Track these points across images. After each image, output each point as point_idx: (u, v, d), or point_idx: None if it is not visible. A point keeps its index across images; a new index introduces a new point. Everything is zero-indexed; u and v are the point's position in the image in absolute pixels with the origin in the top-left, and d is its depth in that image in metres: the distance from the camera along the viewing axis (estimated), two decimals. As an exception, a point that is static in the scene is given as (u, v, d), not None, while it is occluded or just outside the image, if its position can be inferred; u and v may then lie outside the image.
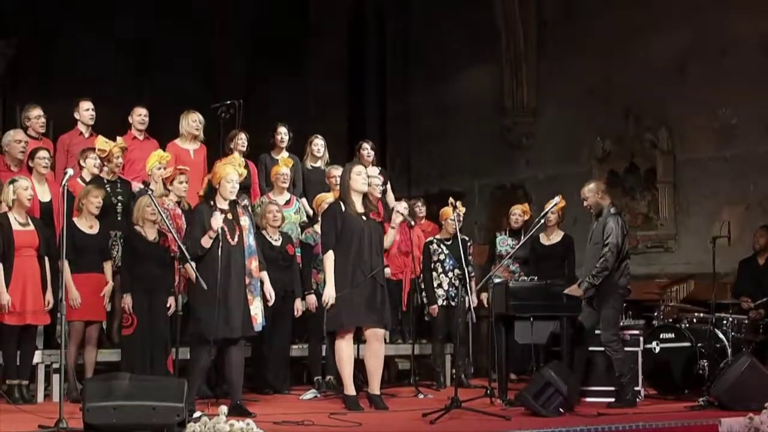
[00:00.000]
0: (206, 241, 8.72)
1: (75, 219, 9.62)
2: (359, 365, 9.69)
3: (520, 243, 10.93)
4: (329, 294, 9.17)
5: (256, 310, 8.91)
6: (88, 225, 9.77)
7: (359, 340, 9.60)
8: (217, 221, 8.71)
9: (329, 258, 9.24)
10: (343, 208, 9.31)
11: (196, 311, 8.80)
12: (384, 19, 19.72)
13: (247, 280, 8.87)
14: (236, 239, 8.85)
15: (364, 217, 9.30)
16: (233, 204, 8.97)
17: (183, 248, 8.66)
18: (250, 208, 11.00)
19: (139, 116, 11.24)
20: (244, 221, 8.97)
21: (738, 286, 11.98)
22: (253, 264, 8.95)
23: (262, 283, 9.09)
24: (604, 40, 15.82)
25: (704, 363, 10.51)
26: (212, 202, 8.93)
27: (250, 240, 8.99)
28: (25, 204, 9.43)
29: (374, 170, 11.00)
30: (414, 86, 18.97)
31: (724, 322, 10.92)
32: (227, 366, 8.97)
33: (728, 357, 10.44)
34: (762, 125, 14.20)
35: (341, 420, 8.41)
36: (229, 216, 8.88)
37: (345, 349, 9.32)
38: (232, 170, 8.94)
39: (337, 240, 9.23)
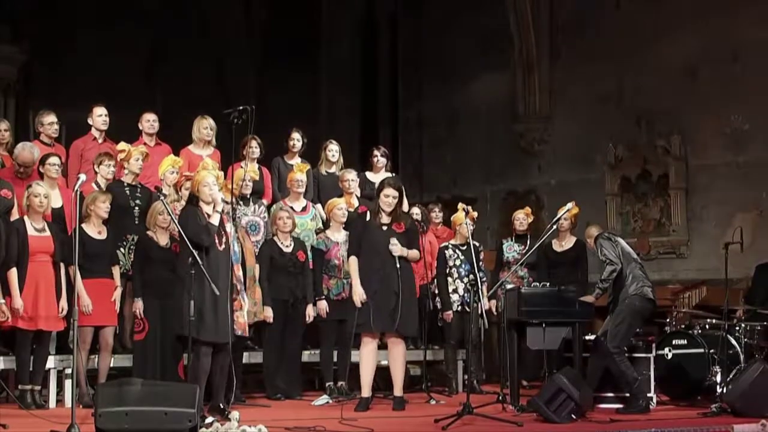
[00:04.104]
0: (215, 219, 8.78)
1: (83, 225, 9.61)
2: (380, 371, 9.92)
3: (530, 249, 10.95)
4: (357, 292, 9.53)
5: (244, 316, 9.01)
6: (97, 231, 9.77)
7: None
8: (219, 194, 8.86)
9: (353, 262, 9.67)
10: (368, 218, 9.74)
11: (187, 315, 8.76)
12: (396, 24, 19.73)
13: (238, 287, 8.91)
14: (223, 246, 8.87)
15: (384, 227, 9.63)
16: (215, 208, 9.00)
17: (194, 253, 8.67)
18: (265, 212, 11.05)
19: (148, 122, 11.25)
20: (229, 228, 8.99)
21: (754, 291, 11.94)
22: (239, 271, 9.11)
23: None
24: (616, 46, 15.81)
25: (717, 369, 10.48)
26: (197, 207, 8.92)
27: (235, 247, 9.04)
28: (37, 210, 9.44)
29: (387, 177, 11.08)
30: (426, 92, 18.97)
31: (737, 328, 10.87)
32: (213, 368, 8.95)
33: (741, 363, 10.38)
34: (774, 131, 14.20)
35: (352, 425, 8.40)
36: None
37: (364, 353, 9.70)
38: (206, 174, 8.96)
39: (361, 247, 9.67)
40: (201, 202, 8.88)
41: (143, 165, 10.63)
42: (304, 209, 11.34)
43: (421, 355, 11.59)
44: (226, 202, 9.07)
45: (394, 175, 12.00)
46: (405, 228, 9.71)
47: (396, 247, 9.54)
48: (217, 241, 8.80)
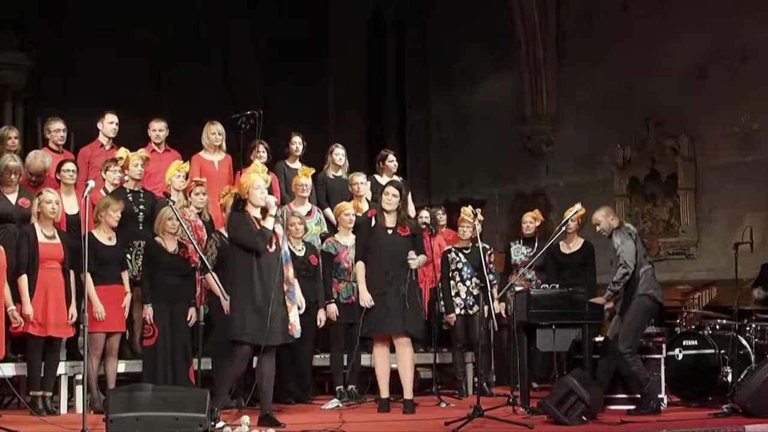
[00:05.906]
0: (269, 222, 8.77)
1: (94, 231, 9.62)
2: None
3: (538, 252, 10.94)
4: (364, 298, 9.69)
5: (295, 317, 8.93)
6: (107, 237, 9.78)
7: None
8: (272, 198, 8.88)
9: (359, 267, 9.82)
10: (373, 223, 9.86)
11: (235, 318, 8.72)
12: (403, 27, 19.71)
13: (285, 287, 8.87)
14: (273, 247, 8.84)
15: (390, 231, 9.76)
16: (264, 211, 8.92)
17: (204, 259, 8.67)
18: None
19: (154, 131, 11.26)
20: (278, 228, 8.96)
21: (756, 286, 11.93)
22: (290, 271, 8.99)
23: None
24: (623, 46, 15.78)
25: (728, 370, 10.46)
26: (244, 212, 8.89)
27: (285, 247, 9.01)
28: (48, 217, 9.45)
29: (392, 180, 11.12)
30: (433, 94, 18.95)
31: (748, 328, 10.86)
32: (258, 375, 8.91)
33: (752, 363, 10.38)
34: (783, 131, 14.16)
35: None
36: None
37: (377, 355, 9.88)
38: (257, 177, 8.92)
39: (368, 252, 9.79)
40: (249, 206, 8.87)
41: (151, 171, 10.65)
42: (309, 213, 11.33)
43: (430, 358, 11.60)
44: (279, 206, 9.08)
45: (402, 180, 12.02)
46: (410, 232, 9.79)
47: (414, 262, 9.68)
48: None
